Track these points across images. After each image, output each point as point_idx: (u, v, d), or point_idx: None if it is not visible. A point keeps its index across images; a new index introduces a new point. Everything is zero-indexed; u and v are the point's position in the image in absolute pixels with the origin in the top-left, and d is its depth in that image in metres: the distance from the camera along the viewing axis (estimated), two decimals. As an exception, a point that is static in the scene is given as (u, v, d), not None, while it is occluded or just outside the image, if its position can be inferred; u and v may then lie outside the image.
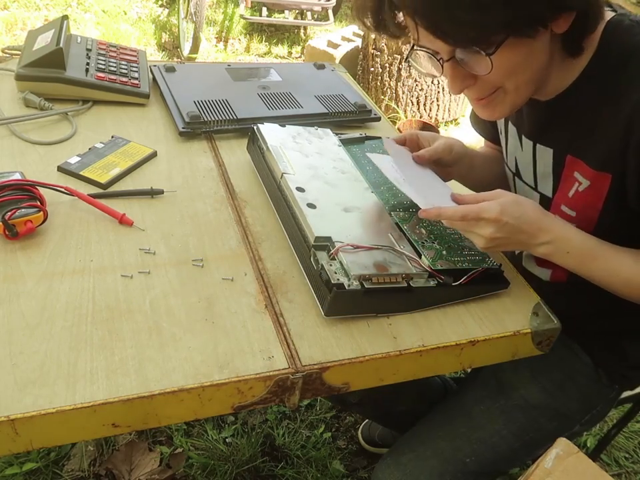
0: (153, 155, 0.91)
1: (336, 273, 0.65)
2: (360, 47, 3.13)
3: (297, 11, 3.81)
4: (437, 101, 2.93)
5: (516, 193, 0.91)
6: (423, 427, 0.95)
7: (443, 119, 3.01)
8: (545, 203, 0.83)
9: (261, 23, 3.83)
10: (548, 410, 0.90)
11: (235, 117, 0.98)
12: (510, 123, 0.88)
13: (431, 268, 0.70)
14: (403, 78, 2.85)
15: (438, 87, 2.88)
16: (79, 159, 0.86)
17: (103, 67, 1.04)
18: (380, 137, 0.99)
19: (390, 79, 2.89)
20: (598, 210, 0.76)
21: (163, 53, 3.43)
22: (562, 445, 0.62)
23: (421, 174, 0.82)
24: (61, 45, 0.97)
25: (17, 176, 0.76)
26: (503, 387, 0.91)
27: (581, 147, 0.76)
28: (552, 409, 0.90)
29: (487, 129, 1.01)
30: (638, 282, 0.73)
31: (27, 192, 0.73)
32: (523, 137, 0.84)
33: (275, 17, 3.77)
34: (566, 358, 0.91)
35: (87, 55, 1.06)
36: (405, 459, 0.91)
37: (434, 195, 0.75)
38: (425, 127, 2.65)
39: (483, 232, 0.68)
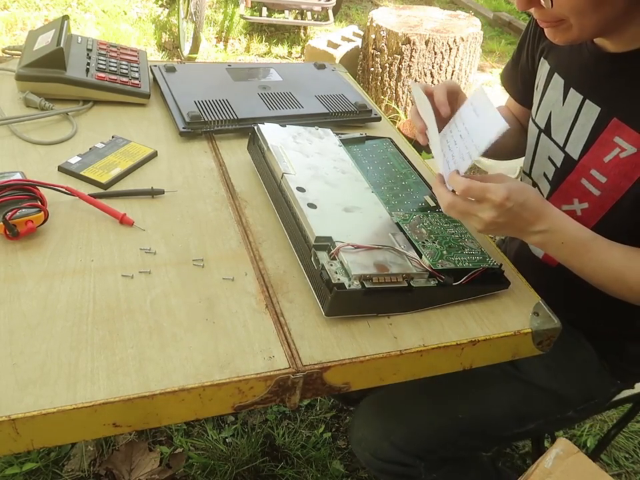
0: (154, 155, 0.91)
1: (336, 273, 0.65)
2: (360, 47, 3.13)
3: (297, 11, 3.81)
4: (437, 101, 2.93)
5: (537, 151, 0.90)
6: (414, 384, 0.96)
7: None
8: (569, 164, 0.83)
9: (261, 23, 3.83)
10: (547, 388, 0.90)
11: (235, 117, 0.98)
12: (557, 74, 0.86)
13: (432, 268, 0.70)
14: (402, 78, 2.85)
15: (438, 87, 2.87)
16: (80, 159, 0.86)
17: (104, 67, 1.04)
18: (383, 137, 0.99)
19: (390, 79, 2.89)
20: (632, 180, 0.75)
21: (163, 52, 3.43)
22: (562, 445, 0.61)
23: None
24: (62, 45, 0.97)
25: (18, 176, 0.77)
26: None
27: (632, 111, 0.74)
28: (550, 388, 0.90)
29: (517, 89, 1.01)
30: (627, 277, 0.73)
31: (27, 192, 0.73)
32: (572, 89, 0.82)
33: (275, 17, 3.78)
34: (572, 346, 0.91)
35: (88, 55, 1.06)
36: (395, 399, 0.91)
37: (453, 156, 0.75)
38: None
39: (485, 215, 0.68)
